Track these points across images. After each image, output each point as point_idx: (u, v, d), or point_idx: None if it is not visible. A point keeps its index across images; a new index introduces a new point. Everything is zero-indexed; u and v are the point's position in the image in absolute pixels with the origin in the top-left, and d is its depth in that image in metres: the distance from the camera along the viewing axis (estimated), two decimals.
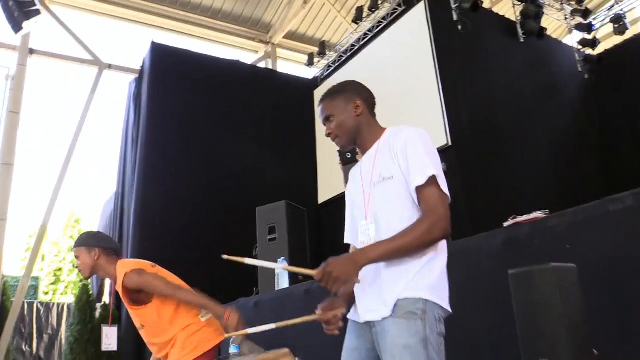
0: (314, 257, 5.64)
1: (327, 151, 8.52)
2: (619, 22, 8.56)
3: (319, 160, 8.83)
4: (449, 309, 1.63)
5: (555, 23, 9.74)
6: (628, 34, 8.73)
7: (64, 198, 7.75)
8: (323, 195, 8.51)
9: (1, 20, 6.73)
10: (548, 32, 8.51)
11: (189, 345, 2.61)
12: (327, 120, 1.85)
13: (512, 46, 7.63)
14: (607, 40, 9.44)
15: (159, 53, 8.29)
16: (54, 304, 11.07)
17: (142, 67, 8.59)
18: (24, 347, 9.91)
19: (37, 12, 6.55)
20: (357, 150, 1.89)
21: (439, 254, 1.64)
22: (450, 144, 6.06)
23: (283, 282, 4.01)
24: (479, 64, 6.92)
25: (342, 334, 1.76)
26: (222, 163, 7.94)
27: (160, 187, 7.42)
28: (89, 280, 8.79)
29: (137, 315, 2.71)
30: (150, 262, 2.79)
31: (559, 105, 7.92)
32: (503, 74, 7.16)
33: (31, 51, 8.04)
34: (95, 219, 18.97)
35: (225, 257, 1.68)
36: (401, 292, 1.57)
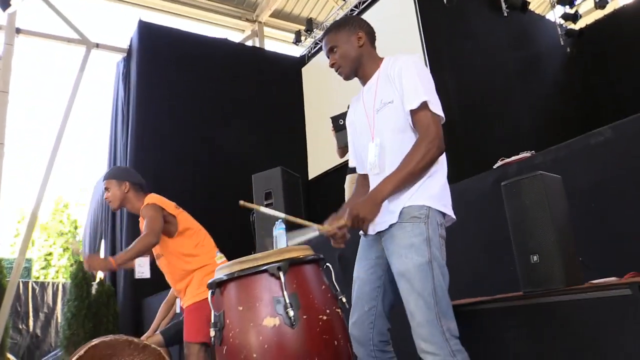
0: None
1: (315, 128, 8.64)
2: None
3: (308, 138, 8.94)
4: (453, 216, 1.81)
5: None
6: (608, 8, 8.92)
7: (52, 182, 7.77)
8: (313, 172, 8.64)
9: None
10: (531, 8, 8.65)
11: (204, 284, 2.77)
12: (330, 51, 1.98)
13: (496, 20, 7.76)
14: (589, 15, 9.61)
15: (147, 31, 8.28)
16: (49, 283, 11.14)
17: (130, 46, 8.57)
18: (20, 325, 9.99)
19: None
20: (360, 80, 2.02)
21: (439, 169, 1.81)
22: None
23: (281, 244, 4.13)
24: (464, 37, 7.05)
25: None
26: (213, 140, 8.01)
27: (152, 165, 7.47)
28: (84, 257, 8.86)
29: (160, 243, 2.85)
30: (175, 204, 2.95)
31: (541, 78, 8.10)
32: (487, 48, 7.30)
33: (18, 30, 8.00)
34: (84, 203, 18.99)
35: (241, 203, 1.82)
36: (405, 201, 1.75)
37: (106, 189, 3.02)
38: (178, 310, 4.40)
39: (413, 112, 1.77)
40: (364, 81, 2.00)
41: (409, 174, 1.71)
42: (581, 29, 9.01)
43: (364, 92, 2.00)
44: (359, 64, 1.96)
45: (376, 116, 1.88)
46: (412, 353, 1.78)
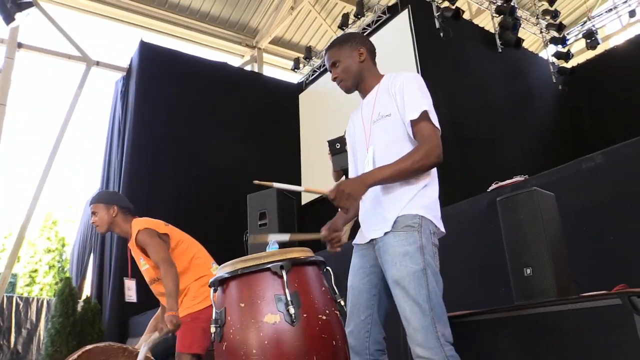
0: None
1: (311, 153, 8.72)
2: (590, 38, 9.04)
3: (303, 163, 9.01)
4: (442, 229, 1.85)
5: (532, 38, 10.17)
6: (599, 49, 9.21)
7: (43, 198, 7.76)
8: (307, 196, 8.68)
9: None
10: (525, 46, 8.90)
11: (200, 295, 2.77)
12: (333, 65, 2.06)
13: (491, 56, 7.98)
14: (580, 55, 9.91)
15: (148, 52, 8.41)
16: (33, 298, 10.97)
17: (130, 65, 8.69)
18: (1, 341, 9.80)
19: (30, 4, 6.65)
20: (360, 93, 2.09)
21: (432, 182, 1.87)
22: None
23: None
24: (459, 71, 7.23)
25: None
26: (208, 161, 8.08)
27: (147, 183, 7.51)
28: (70, 275, 8.78)
29: (153, 269, 2.85)
30: (164, 222, 2.95)
31: (533, 112, 8.29)
32: (481, 81, 7.49)
33: (19, 45, 8.10)
34: (73, 220, 18.83)
35: (256, 182, 1.87)
36: (400, 210, 1.79)
37: (93, 213, 2.99)
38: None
39: (414, 123, 1.83)
40: (363, 95, 2.07)
41: (403, 169, 1.76)
42: (573, 67, 9.27)
43: (362, 106, 2.07)
44: (360, 78, 2.03)
45: (373, 127, 1.95)
46: None
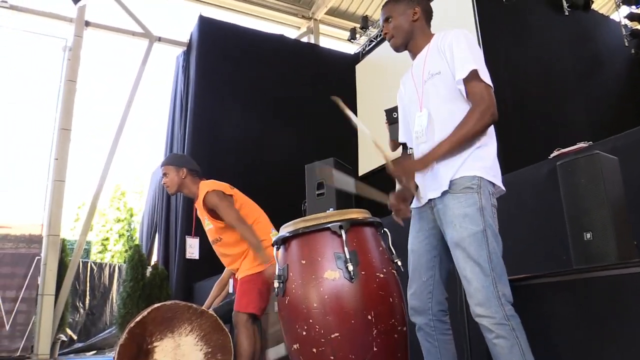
0: None
1: (368, 125, 8.64)
2: None
3: (360, 134, 8.99)
4: (503, 187, 1.85)
5: None
6: None
7: (112, 171, 8.19)
8: (363, 168, 8.70)
9: None
10: (595, 8, 8.42)
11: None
12: (386, 21, 2.06)
13: (557, 19, 7.60)
14: None
15: (207, 26, 8.57)
16: (106, 264, 11.69)
17: (190, 40, 8.90)
18: (77, 303, 10.54)
19: None
20: (410, 53, 2.08)
21: (490, 141, 1.87)
22: None
23: None
24: (523, 36, 6.95)
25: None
26: (266, 132, 8.22)
27: (209, 155, 7.74)
28: (140, 242, 9.26)
29: (216, 229, 3.00)
30: (229, 184, 3.10)
31: (602, 79, 7.87)
32: (546, 47, 7.17)
33: (87, 23, 8.44)
34: (140, 191, 19.74)
35: (333, 97, 1.91)
36: (457, 171, 1.80)
37: (164, 174, 3.18)
38: (231, 290, 4.57)
39: (465, 82, 1.82)
40: (413, 55, 2.07)
41: (463, 137, 1.77)
42: None
43: (413, 67, 2.06)
44: (410, 37, 2.03)
45: (425, 87, 1.94)
46: (454, 326, 1.85)
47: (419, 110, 1.96)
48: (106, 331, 9.68)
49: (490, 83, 1.82)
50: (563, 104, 7.06)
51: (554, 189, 2.02)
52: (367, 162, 8.51)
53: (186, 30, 9.11)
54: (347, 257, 1.57)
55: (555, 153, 2.88)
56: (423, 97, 1.95)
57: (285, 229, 1.74)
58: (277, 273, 1.71)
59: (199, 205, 3.08)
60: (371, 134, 2.01)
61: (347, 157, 8.68)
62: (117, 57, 32.47)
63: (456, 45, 1.86)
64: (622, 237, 1.74)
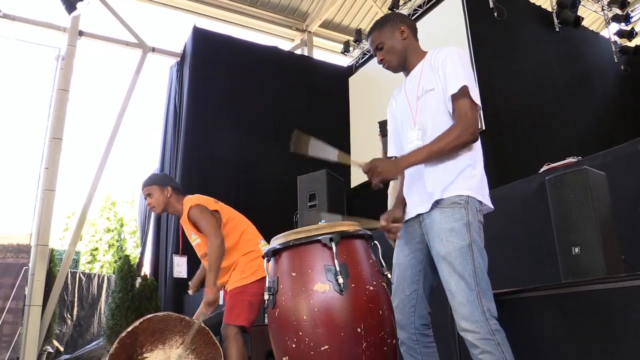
0: None
1: (360, 136, 8.73)
2: None
3: (352, 146, 9.02)
4: (491, 205, 1.87)
5: (592, 16, 9.73)
6: None
7: (102, 181, 8.15)
8: (355, 180, 8.71)
9: (53, 4, 7.12)
10: (585, 24, 8.53)
11: (248, 270, 2.90)
12: (377, 49, 2.09)
13: (548, 35, 7.70)
14: None
15: (201, 37, 8.61)
16: (94, 274, 11.58)
17: (184, 50, 8.93)
18: (65, 314, 10.41)
19: None
20: (404, 72, 2.11)
21: (478, 158, 1.89)
22: (484, 128, 6.22)
23: None
24: (514, 52, 7.03)
25: None
26: (259, 143, 8.23)
27: (202, 165, 7.75)
28: (130, 252, 9.18)
29: (204, 243, 2.99)
30: (214, 199, 3.08)
31: (592, 94, 7.96)
32: (538, 63, 7.25)
33: (80, 33, 8.44)
34: (131, 202, 19.63)
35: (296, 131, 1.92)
36: (444, 190, 1.82)
37: (148, 195, 3.13)
38: (221, 302, 4.54)
39: (453, 98, 1.84)
40: (407, 72, 2.09)
41: (437, 151, 1.80)
42: (637, 46, 8.82)
43: (406, 82, 2.09)
44: (405, 56, 2.05)
45: (418, 103, 1.97)
46: (444, 337, 1.85)
47: (413, 125, 1.98)
48: (93, 343, 9.55)
49: (479, 102, 1.85)
50: (553, 118, 7.14)
51: (543, 203, 2.04)
52: (359, 175, 8.51)
53: (180, 40, 9.14)
54: (337, 269, 1.57)
55: (544, 167, 2.91)
56: (417, 113, 1.97)
57: (276, 241, 1.74)
58: (267, 285, 1.72)
59: (184, 222, 3.06)
60: (338, 154, 1.99)
61: (339, 170, 8.70)
62: (110, 67, 32.51)
63: (449, 62, 1.89)
64: (609, 251, 1.76)
